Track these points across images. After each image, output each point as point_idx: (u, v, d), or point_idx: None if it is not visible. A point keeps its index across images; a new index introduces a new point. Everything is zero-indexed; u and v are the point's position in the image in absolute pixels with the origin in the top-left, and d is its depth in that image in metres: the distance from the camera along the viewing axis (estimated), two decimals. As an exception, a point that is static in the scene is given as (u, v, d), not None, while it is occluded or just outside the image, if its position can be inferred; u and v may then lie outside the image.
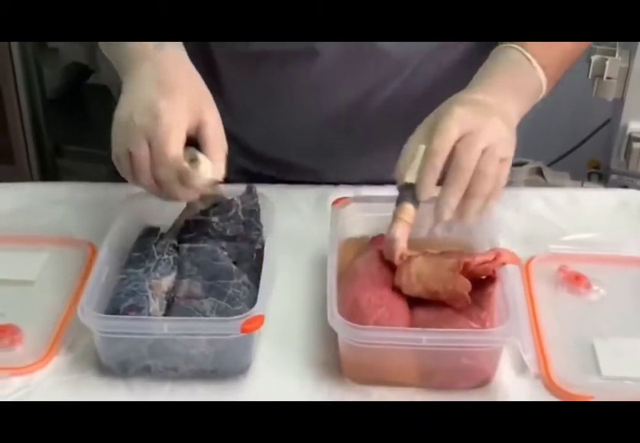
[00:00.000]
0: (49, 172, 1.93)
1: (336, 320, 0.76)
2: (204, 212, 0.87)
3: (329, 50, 0.96)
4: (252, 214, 0.88)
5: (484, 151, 0.79)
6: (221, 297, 0.79)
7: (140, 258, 0.83)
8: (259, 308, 0.76)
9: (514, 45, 0.87)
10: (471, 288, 0.77)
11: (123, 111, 0.80)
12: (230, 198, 0.87)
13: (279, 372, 0.80)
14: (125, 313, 0.77)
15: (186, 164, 0.79)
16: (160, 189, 0.81)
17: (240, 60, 1.01)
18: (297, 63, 0.98)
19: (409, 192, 0.81)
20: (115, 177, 0.88)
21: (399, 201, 0.82)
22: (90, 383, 0.78)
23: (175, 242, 0.86)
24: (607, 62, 1.34)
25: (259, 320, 0.75)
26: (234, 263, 0.84)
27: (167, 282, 0.81)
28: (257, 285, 0.81)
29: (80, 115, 2.01)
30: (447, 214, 0.79)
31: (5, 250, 0.93)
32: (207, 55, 1.03)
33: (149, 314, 0.77)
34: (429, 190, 0.79)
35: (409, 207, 0.81)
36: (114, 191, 0.99)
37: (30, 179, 1.89)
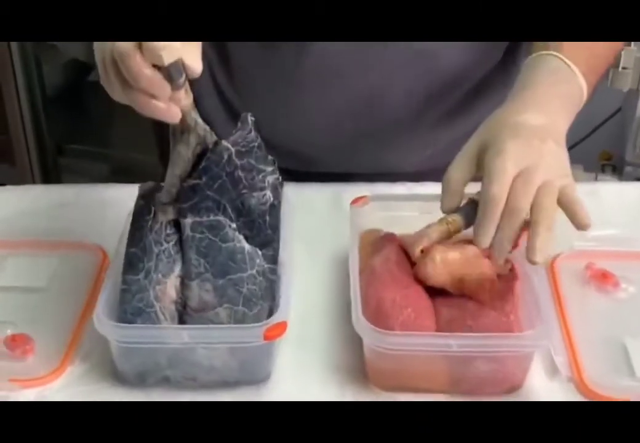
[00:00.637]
0: (50, 171, 1.90)
1: (361, 324, 0.73)
2: (192, 172, 0.75)
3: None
4: (250, 153, 0.77)
5: (541, 185, 0.74)
6: (236, 301, 0.75)
7: (137, 255, 0.75)
8: (282, 315, 0.74)
9: (551, 51, 0.84)
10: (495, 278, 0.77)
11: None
12: (216, 140, 0.75)
13: (301, 379, 0.78)
14: None
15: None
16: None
17: (252, 46, 0.99)
18: (309, 51, 0.96)
19: (468, 208, 0.79)
20: (117, 175, 0.85)
21: (458, 209, 0.79)
22: (106, 395, 0.76)
23: (172, 215, 0.76)
24: (622, 53, 1.31)
25: (282, 326, 0.73)
26: (246, 238, 0.77)
27: (172, 282, 0.75)
28: (273, 261, 0.77)
29: (81, 113, 1.98)
30: (502, 259, 0.76)
31: (13, 256, 0.91)
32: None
33: None
34: (489, 237, 0.74)
35: (458, 220, 0.79)
36: (121, 192, 0.95)
37: (32, 178, 1.87)
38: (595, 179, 1.47)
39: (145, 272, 0.74)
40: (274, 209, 0.79)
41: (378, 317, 0.75)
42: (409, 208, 0.89)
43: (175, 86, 0.70)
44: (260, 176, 0.77)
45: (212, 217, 0.75)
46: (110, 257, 0.88)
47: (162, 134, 0.83)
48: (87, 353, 0.79)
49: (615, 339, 0.80)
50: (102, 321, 0.73)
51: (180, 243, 0.76)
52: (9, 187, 1.06)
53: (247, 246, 0.76)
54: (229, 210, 0.76)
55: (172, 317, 0.75)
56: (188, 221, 0.75)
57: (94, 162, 1.96)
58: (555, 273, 0.88)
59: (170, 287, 0.75)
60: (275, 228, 0.78)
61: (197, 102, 0.80)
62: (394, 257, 0.82)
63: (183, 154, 0.75)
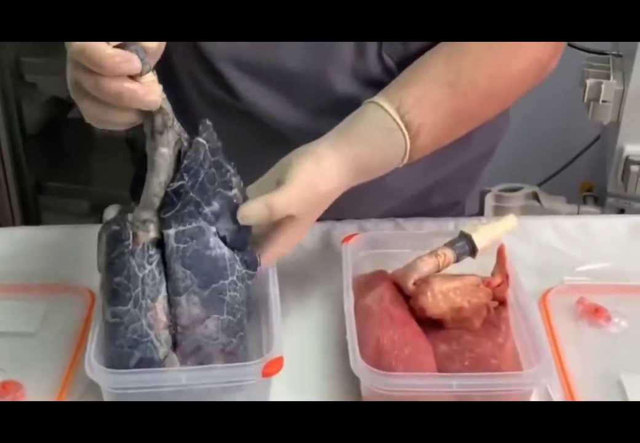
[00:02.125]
0: (30, 210, 1.88)
1: (360, 366, 0.73)
2: (174, 176, 0.73)
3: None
4: (218, 151, 0.75)
5: None
6: (221, 311, 0.74)
7: (122, 284, 0.72)
8: (277, 350, 0.73)
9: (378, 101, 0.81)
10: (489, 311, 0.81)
11: None
12: (190, 139, 0.73)
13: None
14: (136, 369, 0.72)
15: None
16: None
17: (215, 111, 0.95)
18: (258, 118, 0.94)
19: (460, 242, 0.83)
20: (97, 212, 0.83)
21: (448, 243, 0.83)
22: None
23: (154, 232, 0.73)
24: (603, 86, 1.33)
25: (279, 362, 0.73)
26: (224, 240, 0.75)
27: (161, 304, 0.73)
28: (248, 266, 0.77)
29: (60, 150, 1.97)
30: None
31: (1, 300, 0.89)
32: (184, 105, 0.97)
33: (161, 361, 0.73)
34: None
35: (448, 254, 0.82)
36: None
37: (12, 217, 1.85)
38: (578, 211, 1.48)
39: (134, 301, 0.72)
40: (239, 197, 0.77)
41: (377, 356, 0.75)
42: (401, 245, 0.89)
43: (143, 65, 0.67)
44: (228, 175, 0.76)
45: (194, 224, 0.73)
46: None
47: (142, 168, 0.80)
48: (79, 399, 0.78)
49: (611, 374, 0.80)
50: (94, 367, 0.72)
51: (163, 260, 0.74)
52: (-8, 229, 1.05)
53: (227, 252, 0.75)
54: (208, 213, 0.74)
55: (167, 342, 0.74)
56: (172, 232, 0.73)
57: (73, 199, 1.94)
58: (547, 308, 0.88)
59: (161, 310, 0.74)
60: (249, 229, 0.78)
61: None
62: (387, 295, 0.83)
63: (166, 156, 0.72)
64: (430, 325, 0.80)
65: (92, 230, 1.00)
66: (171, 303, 0.74)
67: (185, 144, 0.73)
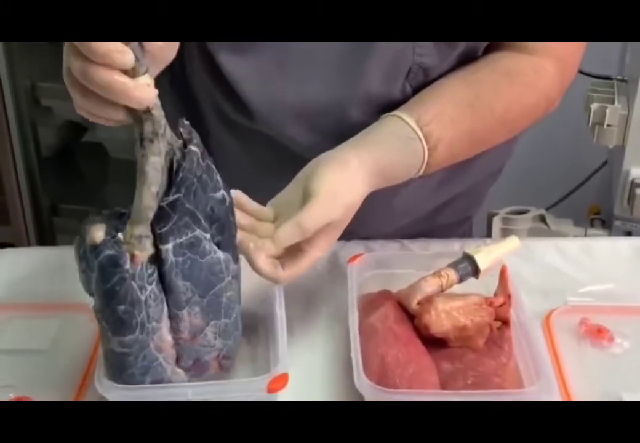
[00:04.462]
0: (45, 232, 1.91)
1: (363, 383, 0.74)
2: (168, 188, 0.69)
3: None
4: (205, 153, 0.72)
5: None
6: (219, 315, 0.75)
7: (127, 312, 0.69)
8: (283, 366, 0.75)
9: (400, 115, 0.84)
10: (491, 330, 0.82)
11: None
12: (183, 145, 0.70)
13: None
14: None
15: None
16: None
17: (231, 131, 0.98)
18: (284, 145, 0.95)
19: (463, 263, 0.85)
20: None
21: (452, 264, 0.85)
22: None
23: (151, 249, 0.70)
24: (607, 110, 1.35)
25: (284, 378, 0.74)
26: (218, 244, 0.74)
27: (165, 324, 0.73)
28: (234, 259, 0.75)
29: (76, 173, 2.00)
30: None
31: (14, 319, 0.91)
32: (200, 124, 1.00)
33: (169, 378, 0.74)
34: None
35: (452, 274, 0.84)
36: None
37: (27, 237, 1.87)
38: (585, 234, 1.49)
39: (140, 327, 0.71)
40: (232, 206, 0.75)
41: (382, 374, 0.76)
42: (406, 265, 0.91)
43: (138, 66, 0.65)
44: (216, 176, 0.73)
45: (190, 235, 0.71)
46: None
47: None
48: (89, 415, 0.79)
49: (612, 394, 0.81)
50: (104, 383, 0.74)
51: (160, 277, 0.71)
52: (8, 250, 1.07)
53: (221, 255, 0.74)
54: (202, 220, 0.72)
55: (172, 359, 0.75)
56: (169, 247, 0.70)
57: (88, 221, 1.97)
58: (551, 328, 0.89)
59: (165, 331, 0.73)
60: (235, 227, 0.76)
61: None
62: (392, 314, 0.84)
63: (157, 166, 0.67)
64: (434, 344, 0.82)
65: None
66: (172, 316, 0.73)
67: (178, 153, 0.69)
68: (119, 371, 0.73)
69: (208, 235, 0.73)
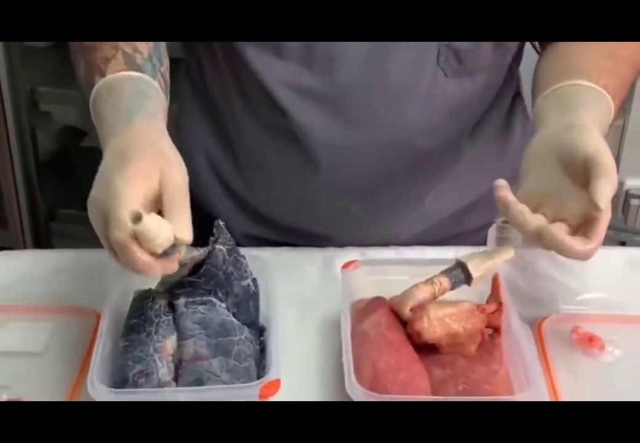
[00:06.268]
0: (42, 236, 1.91)
1: (355, 389, 0.74)
2: (193, 271, 0.81)
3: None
4: (233, 250, 0.83)
5: None
6: (228, 355, 0.77)
7: (139, 324, 0.81)
8: (275, 372, 0.75)
9: (577, 82, 0.87)
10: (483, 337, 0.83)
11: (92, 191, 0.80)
12: (211, 248, 0.81)
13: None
14: (134, 380, 0.75)
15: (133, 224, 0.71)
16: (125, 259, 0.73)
17: (254, 132, 1.02)
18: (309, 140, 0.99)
19: (456, 270, 0.84)
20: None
21: (445, 271, 0.84)
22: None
23: (168, 301, 0.82)
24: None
25: (276, 384, 0.75)
26: (234, 315, 0.82)
27: (171, 343, 0.79)
28: (257, 338, 0.82)
29: (74, 178, 2.00)
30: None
31: (9, 321, 0.91)
32: (222, 125, 1.04)
33: (159, 379, 0.76)
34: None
35: (444, 282, 0.84)
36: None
37: (24, 243, 1.87)
38: (580, 243, 1.49)
39: (147, 333, 0.79)
40: (256, 296, 0.85)
41: (373, 380, 0.77)
42: (399, 272, 0.91)
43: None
44: (242, 267, 0.84)
45: (204, 298, 0.81)
46: (105, 321, 0.89)
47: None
48: (82, 418, 0.79)
49: (603, 402, 0.82)
50: (96, 386, 0.74)
51: (175, 321, 0.81)
52: (4, 253, 1.08)
53: (235, 320, 0.81)
54: (220, 293, 0.82)
55: (169, 368, 0.77)
56: (181, 301, 0.81)
57: (85, 226, 1.97)
58: (542, 336, 0.90)
59: (169, 345, 0.79)
60: (258, 312, 0.85)
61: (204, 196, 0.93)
62: (384, 321, 0.84)
63: (179, 272, 0.79)
64: (426, 350, 0.82)
65: (100, 255, 1.03)
66: (179, 346, 0.79)
67: (203, 256, 0.80)
68: (117, 360, 0.78)
69: (224, 305, 0.82)
